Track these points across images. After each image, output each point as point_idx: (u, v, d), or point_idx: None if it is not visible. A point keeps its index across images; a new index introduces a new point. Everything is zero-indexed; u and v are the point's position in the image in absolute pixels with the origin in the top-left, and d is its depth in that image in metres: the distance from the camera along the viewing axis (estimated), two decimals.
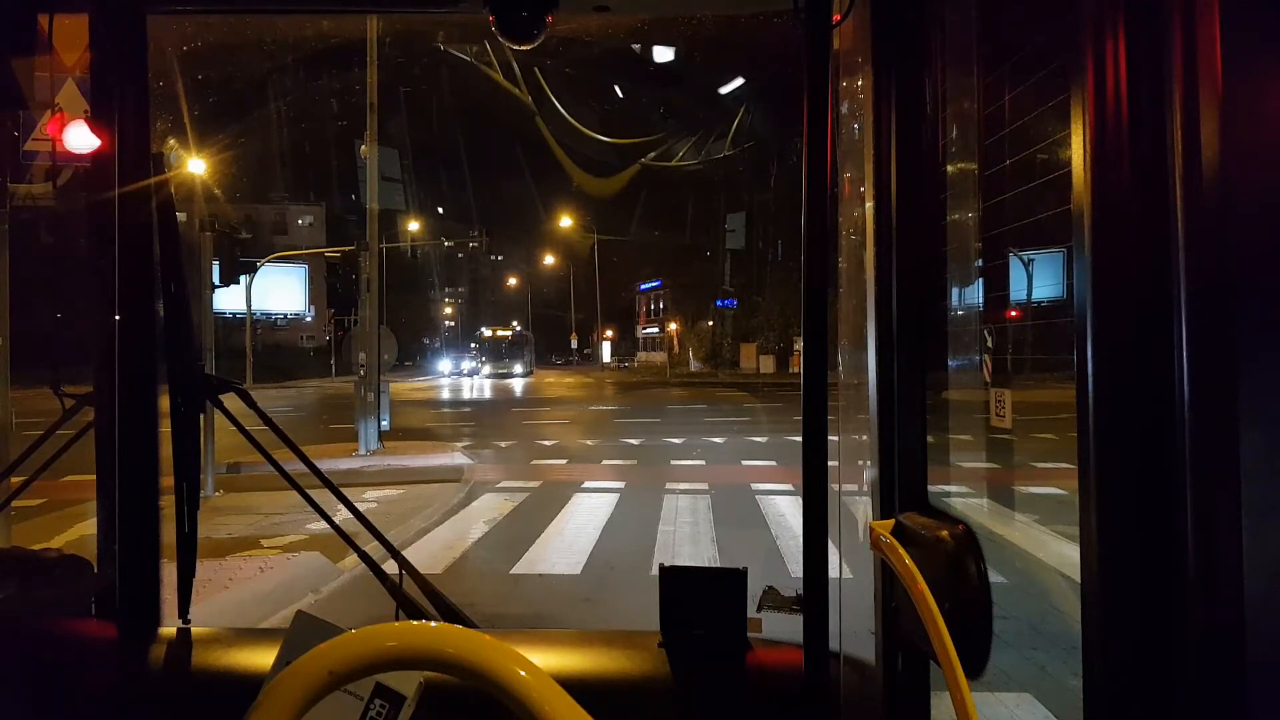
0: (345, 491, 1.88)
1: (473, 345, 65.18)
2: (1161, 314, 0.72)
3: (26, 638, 1.68)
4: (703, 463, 15.02)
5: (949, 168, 1.62)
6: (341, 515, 1.86)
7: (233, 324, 28.40)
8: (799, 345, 1.49)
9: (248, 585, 7.16)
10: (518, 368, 56.89)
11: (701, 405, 28.71)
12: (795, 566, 1.64)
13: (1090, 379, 0.77)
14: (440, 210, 54.49)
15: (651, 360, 62.80)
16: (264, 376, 33.71)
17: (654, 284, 66.35)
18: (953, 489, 1.74)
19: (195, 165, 14.08)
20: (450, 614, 1.68)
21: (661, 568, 1.62)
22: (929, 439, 1.38)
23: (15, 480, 2.04)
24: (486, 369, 57.75)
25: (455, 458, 15.70)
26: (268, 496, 10.58)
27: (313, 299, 34.61)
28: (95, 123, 1.83)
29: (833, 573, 1.47)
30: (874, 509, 1.42)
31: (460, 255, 76.76)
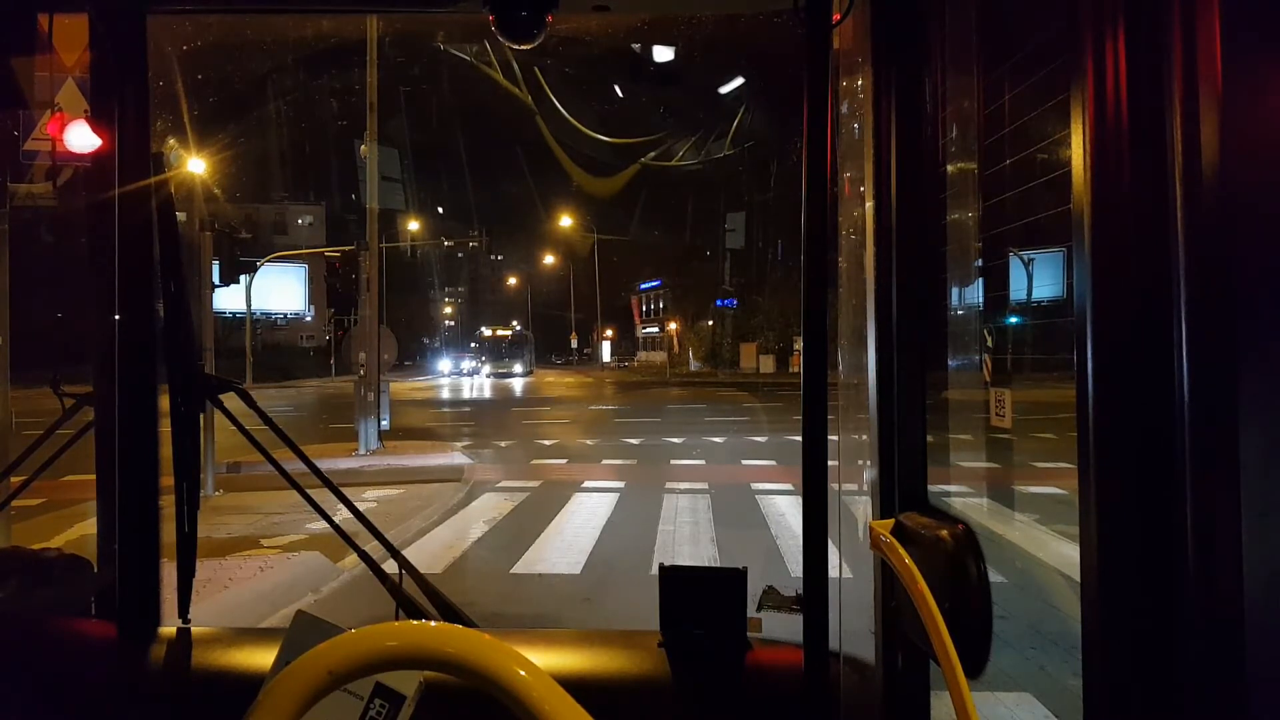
0: (345, 491, 1.88)
1: (473, 345, 65.01)
2: (1161, 314, 0.72)
3: (26, 638, 1.68)
4: (702, 462, 15.01)
5: (949, 168, 1.62)
6: (341, 515, 1.86)
7: (233, 324, 28.42)
8: (799, 345, 1.49)
9: (248, 585, 7.15)
10: (518, 367, 56.83)
11: (701, 405, 28.70)
12: (795, 566, 1.64)
13: (1090, 379, 0.77)
14: (440, 210, 54.48)
15: (651, 360, 62.76)
16: (264, 376, 33.66)
17: (654, 284, 66.35)
18: (953, 489, 1.74)
19: (195, 165, 14.07)
20: (450, 614, 1.68)
21: (661, 567, 1.62)
22: (929, 439, 1.38)
23: (15, 480, 2.04)
24: (486, 369, 57.65)
25: (455, 457, 15.69)
26: (268, 496, 10.58)
27: (313, 299, 34.66)
28: (95, 123, 1.83)
29: (833, 573, 1.47)
30: (874, 509, 1.42)
31: (460, 255, 76.68)
